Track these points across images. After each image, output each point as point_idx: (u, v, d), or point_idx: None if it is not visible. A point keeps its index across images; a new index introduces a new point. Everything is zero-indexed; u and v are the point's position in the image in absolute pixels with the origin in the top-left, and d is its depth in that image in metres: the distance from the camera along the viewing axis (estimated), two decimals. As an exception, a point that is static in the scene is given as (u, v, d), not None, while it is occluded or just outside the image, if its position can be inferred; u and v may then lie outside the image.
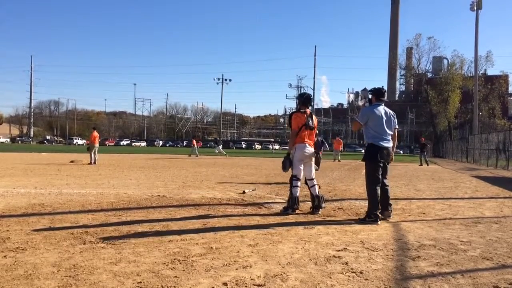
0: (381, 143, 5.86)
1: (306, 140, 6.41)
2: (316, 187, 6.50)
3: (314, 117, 6.62)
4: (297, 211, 6.34)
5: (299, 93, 6.99)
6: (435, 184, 12.22)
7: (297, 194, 6.41)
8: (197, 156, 32.12)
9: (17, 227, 4.78)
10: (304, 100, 6.68)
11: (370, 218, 5.64)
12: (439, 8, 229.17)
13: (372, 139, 5.91)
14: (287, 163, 6.58)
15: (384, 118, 5.95)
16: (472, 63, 47.49)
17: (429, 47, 58.59)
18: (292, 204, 6.36)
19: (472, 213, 6.68)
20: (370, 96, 6.29)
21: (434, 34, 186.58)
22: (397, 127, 6.21)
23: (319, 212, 6.31)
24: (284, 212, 6.32)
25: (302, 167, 6.47)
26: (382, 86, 6.31)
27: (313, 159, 6.62)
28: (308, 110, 6.58)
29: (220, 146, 37.58)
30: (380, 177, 5.84)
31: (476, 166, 27.30)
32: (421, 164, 26.05)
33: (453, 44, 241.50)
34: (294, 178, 6.44)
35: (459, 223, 5.70)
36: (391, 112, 6.16)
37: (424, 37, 62.27)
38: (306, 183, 6.56)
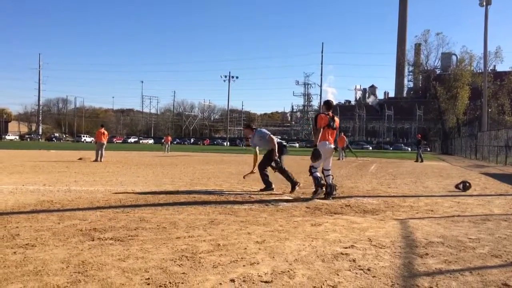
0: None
1: (328, 138, 7.48)
2: (331, 177, 7.60)
3: (336, 118, 7.71)
4: (304, 208, 6.36)
5: (324, 99, 9.13)
6: (443, 181, 12.13)
7: (331, 181, 7.55)
8: (165, 152, 32.46)
9: (26, 224, 4.83)
10: (328, 105, 7.80)
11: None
12: (447, 3, 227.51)
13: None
14: (317, 155, 7.50)
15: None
16: (481, 59, 46.93)
17: (437, 43, 58.06)
18: (331, 190, 7.45)
19: (481, 211, 6.64)
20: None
21: (442, 29, 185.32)
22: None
23: (330, 198, 7.36)
24: (328, 198, 7.32)
25: (322, 160, 7.56)
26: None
27: (332, 153, 7.78)
28: (331, 113, 7.56)
29: None
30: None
31: (485, 163, 27.07)
32: (421, 161, 26.50)
33: (462, 40, 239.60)
34: (313, 168, 7.53)
35: (468, 220, 5.66)
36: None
37: (432, 33, 61.21)
38: (322, 173, 7.61)
